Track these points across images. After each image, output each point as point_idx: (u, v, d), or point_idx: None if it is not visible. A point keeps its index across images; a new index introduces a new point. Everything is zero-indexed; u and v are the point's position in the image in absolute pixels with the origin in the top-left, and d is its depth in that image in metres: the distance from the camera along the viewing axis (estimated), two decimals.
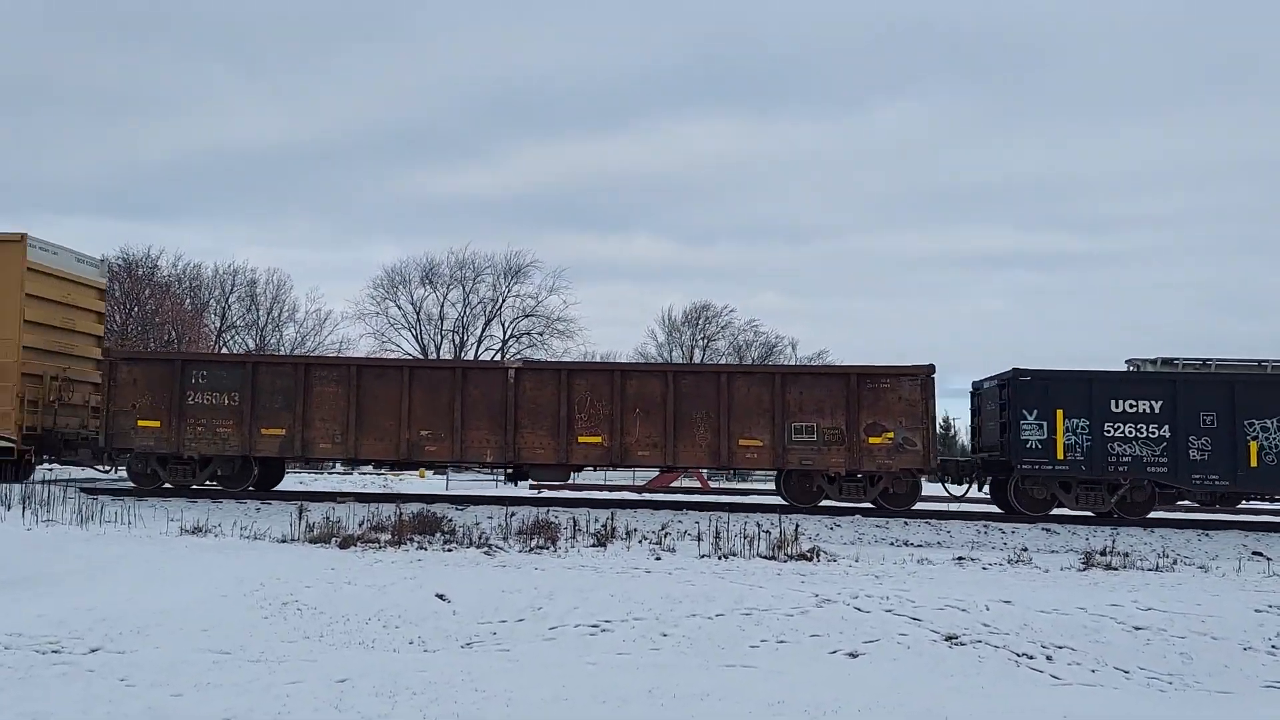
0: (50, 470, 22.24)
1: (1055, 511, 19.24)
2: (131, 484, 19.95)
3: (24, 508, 16.30)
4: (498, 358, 60.96)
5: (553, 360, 19.72)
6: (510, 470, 20.36)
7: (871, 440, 19.01)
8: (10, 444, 19.52)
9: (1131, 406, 18.86)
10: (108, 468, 21.06)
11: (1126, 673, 9.54)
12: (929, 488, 21.56)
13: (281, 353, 18.37)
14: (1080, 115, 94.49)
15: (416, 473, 36.03)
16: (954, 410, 69.01)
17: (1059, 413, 18.91)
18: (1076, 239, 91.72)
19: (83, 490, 18.81)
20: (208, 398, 19.47)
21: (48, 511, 16.23)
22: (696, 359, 63.48)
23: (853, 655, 9.77)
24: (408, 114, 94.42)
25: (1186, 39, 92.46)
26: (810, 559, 14.20)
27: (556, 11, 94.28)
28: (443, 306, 61.97)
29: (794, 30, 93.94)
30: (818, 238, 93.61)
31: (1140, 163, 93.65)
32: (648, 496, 23.06)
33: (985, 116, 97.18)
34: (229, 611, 10.23)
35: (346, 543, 14.54)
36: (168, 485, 19.69)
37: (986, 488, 20.66)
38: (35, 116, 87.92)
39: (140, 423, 19.44)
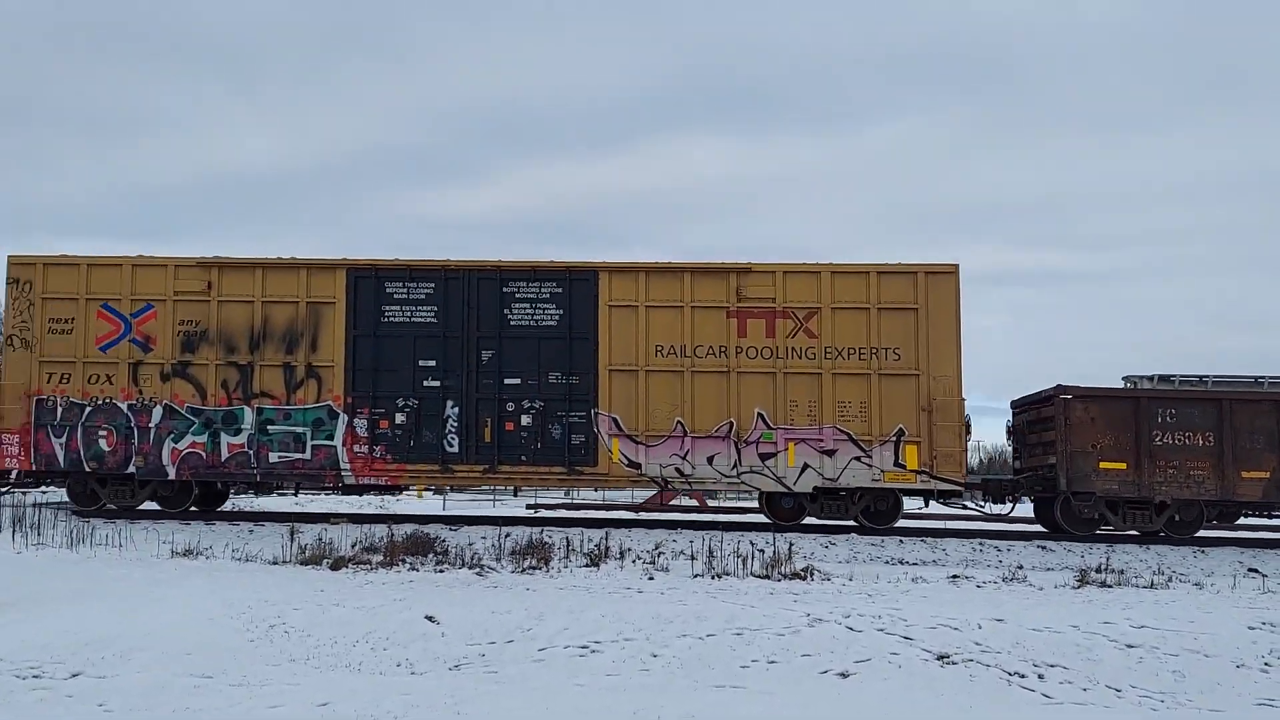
0: (44, 492, 22.16)
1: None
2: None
3: (14, 531, 16.24)
4: None
5: None
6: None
7: None
8: (957, 487, 18.68)
9: None
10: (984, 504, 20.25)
11: (1118, 691, 9.46)
12: None
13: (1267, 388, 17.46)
14: (1077, 132, 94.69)
15: (414, 492, 35.94)
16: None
17: None
18: (1074, 255, 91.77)
19: (74, 513, 18.74)
20: (1178, 438, 18.51)
21: (38, 534, 16.16)
22: None
23: (844, 675, 9.69)
24: (406, 135, 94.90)
25: (1183, 54, 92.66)
26: (804, 578, 14.12)
27: (554, 34, 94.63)
28: None
29: (790, 49, 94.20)
30: (816, 255, 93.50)
31: (1138, 179, 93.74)
32: (643, 516, 22.96)
33: (982, 133, 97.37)
34: (214, 634, 10.14)
35: (338, 564, 14.47)
36: (1130, 531, 18.90)
37: None
38: (33, 136, 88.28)
39: (1102, 465, 18.52)
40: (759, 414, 18.71)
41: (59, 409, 18.99)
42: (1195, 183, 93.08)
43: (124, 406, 18.97)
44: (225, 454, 18.87)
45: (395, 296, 19.11)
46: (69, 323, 19.18)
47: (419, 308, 19.09)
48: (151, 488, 19.19)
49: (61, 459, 18.95)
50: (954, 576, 14.78)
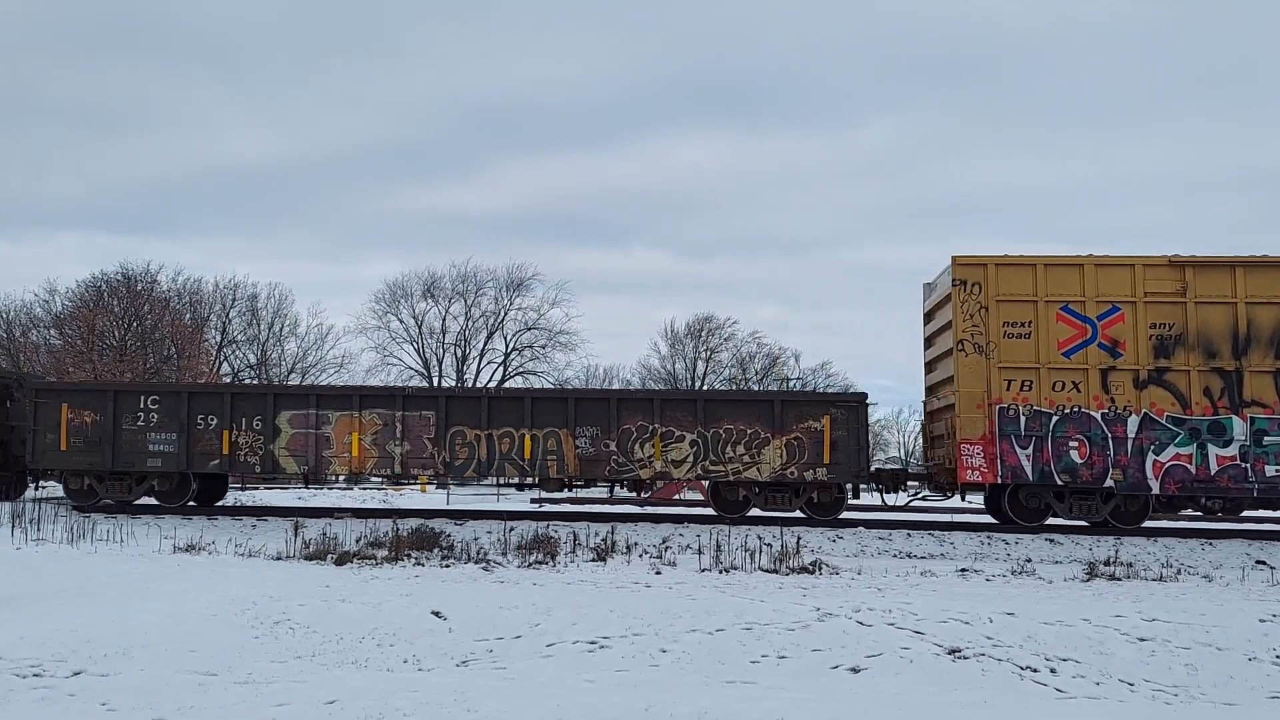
0: (43, 488, 22.08)
1: (1054, 521, 18.87)
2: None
3: (14, 526, 16.16)
4: (499, 371, 60.74)
5: None
6: None
7: None
8: None
9: None
10: None
11: (1131, 685, 9.37)
12: None
13: None
14: (1071, 127, 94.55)
15: (417, 486, 35.89)
16: None
17: None
18: (1069, 250, 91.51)
19: (75, 508, 18.65)
20: None
21: (38, 530, 16.08)
22: (699, 371, 62.76)
23: (855, 670, 9.60)
24: (402, 131, 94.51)
25: (1175, 51, 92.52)
26: (812, 572, 14.03)
27: (550, 29, 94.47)
28: (444, 320, 61.70)
29: (786, 44, 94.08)
30: (814, 250, 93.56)
31: (1131, 173, 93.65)
32: (649, 510, 22.85)
33: (976, 128, 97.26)
34: (218, 631, 10.05)
35: (342, 559, 14.38)
36: None
37: None
38: (29, 132, 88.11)
39: None
40: None
41: (1022, 418, 18.30)
42: (1189, 178, 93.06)
43: (1097, 415, 18.27)
44: (1214, 467, 18.07)
45: None
46: (1026, 326, 18.48)
47: None
48: (1117, 500, 18.38)
49: (1029, 471, 18.25)
50: (963, 570, 14.70)
